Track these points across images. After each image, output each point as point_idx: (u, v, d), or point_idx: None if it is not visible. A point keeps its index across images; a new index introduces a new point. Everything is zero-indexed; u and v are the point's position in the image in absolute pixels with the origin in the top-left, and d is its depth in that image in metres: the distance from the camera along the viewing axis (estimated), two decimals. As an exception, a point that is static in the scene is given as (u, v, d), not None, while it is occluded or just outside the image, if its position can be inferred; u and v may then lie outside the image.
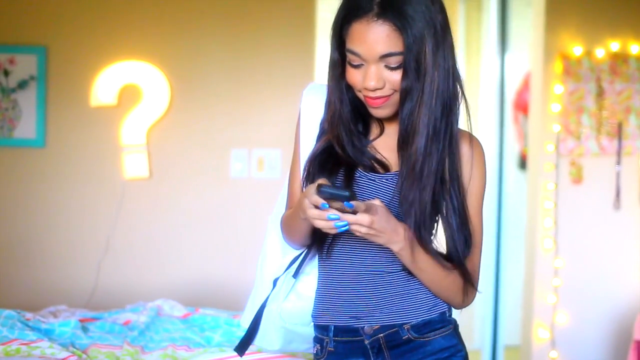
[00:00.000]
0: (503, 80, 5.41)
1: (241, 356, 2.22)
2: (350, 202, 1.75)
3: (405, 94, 1.87)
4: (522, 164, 5.64)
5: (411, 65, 1.83)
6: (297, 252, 2.11)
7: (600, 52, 4.25)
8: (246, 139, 4.18)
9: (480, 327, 5.36)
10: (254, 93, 4.18)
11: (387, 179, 1.97)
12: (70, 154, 4.11)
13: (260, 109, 4.18)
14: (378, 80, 1.86)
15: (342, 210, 1.76)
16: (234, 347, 2.87)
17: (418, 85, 1.85)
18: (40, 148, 4.09)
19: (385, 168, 1.98)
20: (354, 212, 1.77)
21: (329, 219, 1.76)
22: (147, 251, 4.16)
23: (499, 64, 5.37)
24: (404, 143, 1.91)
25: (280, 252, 2.13)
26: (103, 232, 4.13)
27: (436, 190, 1.91)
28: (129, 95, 4.10)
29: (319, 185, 1.75)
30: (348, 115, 1.97)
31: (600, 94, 4.27)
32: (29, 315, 3.10)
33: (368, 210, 1.78)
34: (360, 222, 1.77)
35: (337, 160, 1.98)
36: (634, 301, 4.28)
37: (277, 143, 4.17)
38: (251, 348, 2.23)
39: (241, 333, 3.03)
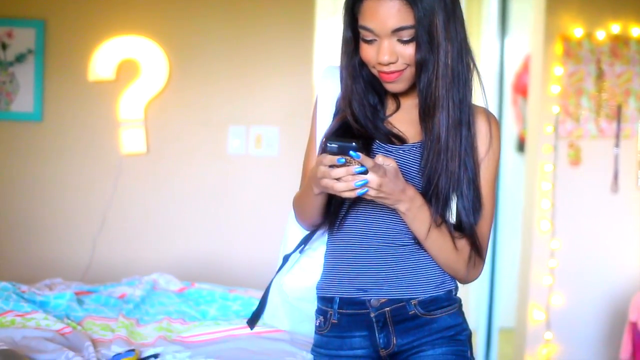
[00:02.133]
0: (502, 64, 5.39)
1: (251, 329, 2.28)
2: (358, 152, 1.75)
3: (420, 66, 1.90)
4: (520, 146, 5.63)
5: (424, 38, 1.86)
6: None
7: (600, 34, 4.24)
8: (244, 116, 4.17)
9: (475, 309, 5.36)
10: (253, 70, 4.16)
11: (404, 150, 1.99)
12: (67, 128, 4.10)
13: (259, 87, 4.17)
14: (391, 54, 1.88)
15: (350, 162, 1.76)
16: (229, 320, 2.91)
17: (432, 57, 1.88)
18: (38, 122, 4.07)
19: (402, 141, 2.00)
20: (365, 173, 1.77)
21: (355, 173, 1.76)
22: (143, 227, 4.16)
23: (498, 47, 5.35)
24: (425, 115, 1.94)
25: (301, 234, 2.15)
26: (99, 207, 4.12)
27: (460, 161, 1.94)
28: (127, 70, 4.08)
29: (325, 140, 1.75)
30: (361, 91, 2.00)
31: (600, 76, 4.25)
32: (24, 287, 3.09)
33: (376, 170, 1.78)
34: (369, 184, 1.78)
35: (354, 136, 1.98)
36: (629, 283, 4.28)
37: (275, 121, 4.16)
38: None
39: (237, 307, 3.06)
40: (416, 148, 1.98)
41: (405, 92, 2.00)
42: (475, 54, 1.98)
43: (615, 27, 4.24)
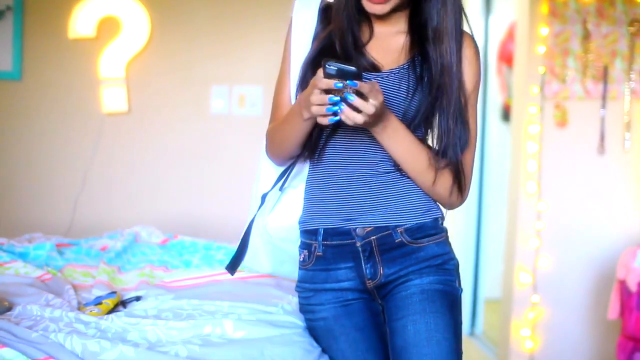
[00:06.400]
0: (487, 35, 5.36)
1: (232, 275, 2.24)
2: (355, 81, 1.74)
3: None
4: (505, 115, 5.60)
5: None
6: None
7: (586, -6, 4.21)
8: (227, 76, 4.12)
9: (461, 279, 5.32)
10: (236, 28, 4.11)
11: (382, 78, 1.98)
12: (47, 87, 4.05)
13: (242, 45, 4.12)
14: None
15: (345, 87, 1.75)
16: (213, 268, 2.85)
17: None
18: (17, 81, 4.02)
19: (376, 69, 1.99)
20: (357, 92, 1.75)
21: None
22: (124, 186, 4.11)
23: (483, 22, 5.32)
24: (435, 39, 1.96)
25: (274, 172, 2.13)
26: (80, 167, 4.07)
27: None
28: (108, 28, 4.03)
29: (326, 60, 1.72)
30: (354, 2, 1.98)
31: (586, 36, 4.21)
32: (2, 240, 3.03)
33: (374, 95, 1.77)
34: (366, 110, 1.77)
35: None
36: (616, 244, 4.25)
37: (258, 80, 4.11)
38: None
39: (221, 257, 3.00)
40: (394, 74, 1.97)
41: (381, 20, 2.00)
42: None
43: (602, -12, 4.21)
